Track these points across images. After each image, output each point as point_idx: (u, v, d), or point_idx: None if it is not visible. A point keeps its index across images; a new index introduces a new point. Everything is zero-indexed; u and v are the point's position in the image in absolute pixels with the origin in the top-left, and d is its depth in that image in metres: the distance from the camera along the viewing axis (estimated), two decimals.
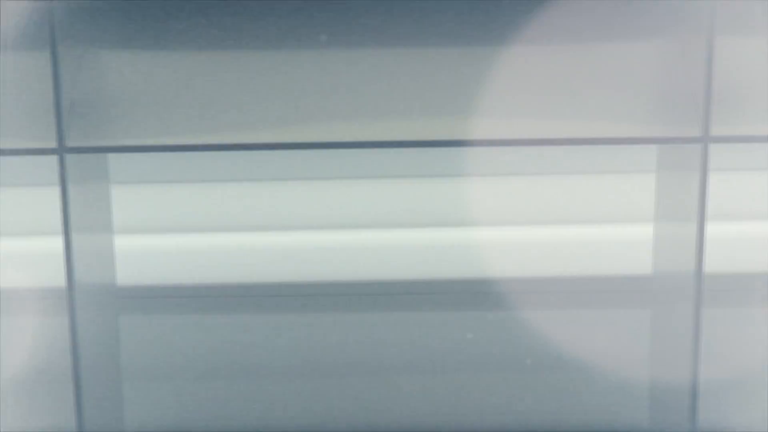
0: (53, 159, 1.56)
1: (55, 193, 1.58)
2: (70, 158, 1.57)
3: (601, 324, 1.78)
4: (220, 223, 1.90)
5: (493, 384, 1.95)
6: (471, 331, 1.98)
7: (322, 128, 1.67)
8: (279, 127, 1.69)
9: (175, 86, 1.67)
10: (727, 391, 1.74)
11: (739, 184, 1.83)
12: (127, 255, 1.84)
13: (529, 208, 1.93)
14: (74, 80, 1.72)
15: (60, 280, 1.63)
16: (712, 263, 1.59)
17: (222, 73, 1.63)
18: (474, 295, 1.99)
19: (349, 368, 1.87)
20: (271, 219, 1.89)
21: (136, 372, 1.76)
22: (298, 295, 1.88)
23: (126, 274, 1.86)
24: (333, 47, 1.67)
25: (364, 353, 1.86)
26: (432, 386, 2.05)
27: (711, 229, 1.57)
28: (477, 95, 1.67)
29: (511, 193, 1.90)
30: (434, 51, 1.69)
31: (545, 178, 1.93)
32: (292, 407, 1.92)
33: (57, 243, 1.60)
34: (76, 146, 1.58)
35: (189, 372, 1.81)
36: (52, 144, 1.53)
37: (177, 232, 1.87)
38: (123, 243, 1.81)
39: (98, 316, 1.66)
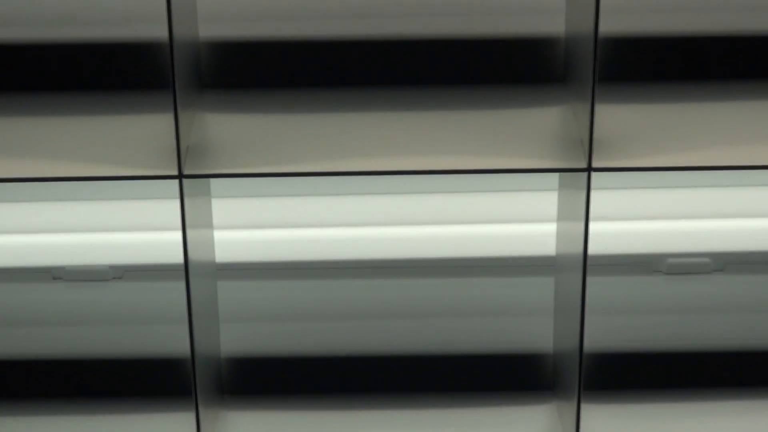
0: (174, 182, 1.71)
1: (174, 204, 1.74)
2: (185, 181, 1.71)
3: (524, 285, 2.06)
4: (282, 221, 2.04)
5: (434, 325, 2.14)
6: (419, 292, 2.09)
7: (354, 163, 1.74)
8: (330, 160, 1.75)
9: (263, 131, 1.81)
10: (596, 321, 1.84)
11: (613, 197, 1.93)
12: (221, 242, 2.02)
13: (478, 211, 2.05)
14: (189, 124, 1.75)
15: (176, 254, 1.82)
16: (593, 247, 1.76)
17: (293, 124, 1.83)
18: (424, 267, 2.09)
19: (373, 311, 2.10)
20: (320, 219, 2.04)
21: (227, 314, 2.04)
22: (343, 268, 2.08)
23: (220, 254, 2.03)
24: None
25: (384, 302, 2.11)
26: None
27: (592, 226, 1.75)
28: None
29: (468, 202, 2.05)
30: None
31: (495, 193, 2.02)
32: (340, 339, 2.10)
33: (177, 235, 1.78)
34: (191, 173, 1.71)
35: (258, 313, 2.07)
36: (174, 172, 1.69)
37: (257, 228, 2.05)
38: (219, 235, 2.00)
39: (203, 281, 1.90)
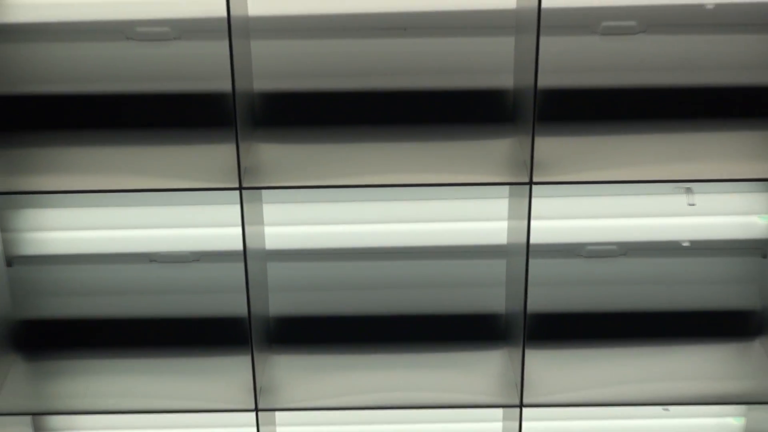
0: (236, 192, 1.71)
1: (236, 208, 1.73)
2: (244, 192, 1.72)
3: (485, 265, 2.04)
4: (313, 220, 1.99)
5: None
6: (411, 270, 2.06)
7: (364, 179, 1.74)
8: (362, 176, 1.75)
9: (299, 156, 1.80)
10: (535, 290, 1.82)
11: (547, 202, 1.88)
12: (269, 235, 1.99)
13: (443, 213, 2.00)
14: (246, 152, 1.72)
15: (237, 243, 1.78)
16: (533, 238, 1.76)
17: (320, 151, 1.83)
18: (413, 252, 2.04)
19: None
20: (339, 218, 1.99)
21: (273, 285, 2.02)
22: (355, 253, 2.04)
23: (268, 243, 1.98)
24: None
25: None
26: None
27: (532, 223, 1.75)
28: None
29: (445, 206, 2.00)
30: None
31: (465, 200, 1.98)
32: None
33: (238, 230, 1.75)
34: (247, 186, 1.70)
35: (297, 285, 2.05)
36: (236, 185, 1.69)
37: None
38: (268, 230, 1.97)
39: (256, 262, 1.88)
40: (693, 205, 1.93)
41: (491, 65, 1.85)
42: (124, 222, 1.99)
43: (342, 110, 1.88)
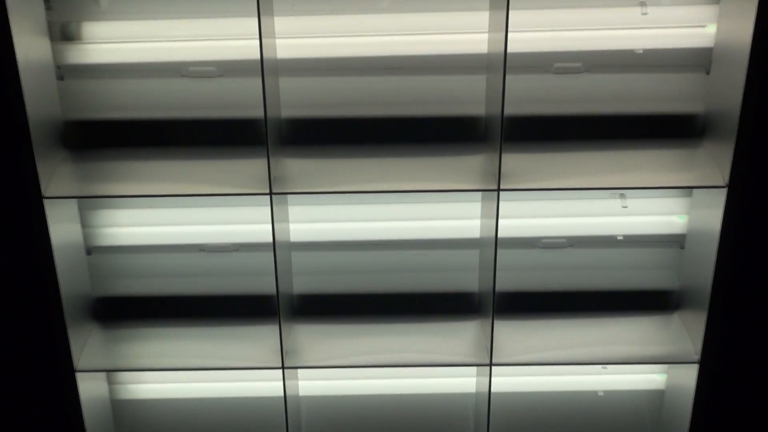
0: (267, 197, 1.69)
1: (267, 209, 1.72)
2: (274, 196, 1.71)
3: (463, 254, 2.00)
4: (326, 218, 1.94)
5: None
6: (408, 259, 2.01)
7: (369, 186, 1.72)
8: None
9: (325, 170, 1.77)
10: (502, 273, 1.80)
11: (512, 205, 1.82)
12: (294, 230, 1.95)
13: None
14: (275, 165, 1.69)
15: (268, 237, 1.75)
16: (501, 233, 1.74)
17: (334, 165, 1.79)
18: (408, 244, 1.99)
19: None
20: (347, 217, 1.94)
21: (297, 269, 1.99)
22: (361, 245, 1.99)
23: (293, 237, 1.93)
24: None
25: None
26: None
27: (500, 221, 1.73)
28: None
29: (433, 208, 1.94)
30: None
31: (449, 203, 1.92)
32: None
33: (268, 226, 1.75)
34: (276, 191, 1.70)
35: (316, 269, 2.02)
36: (267, 191, 1.69)
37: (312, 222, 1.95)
38: (292, 227, 1.94)
39: (283, 251, 1.86)
40: (625, 207, 1.93)
41: (468, 98, 1.83)
42: (178, 220, 1.98)
43: (350, 132, 1.86)
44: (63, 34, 1.73)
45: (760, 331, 1.90)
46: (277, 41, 1.73)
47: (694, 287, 1.91)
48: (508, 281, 1.94)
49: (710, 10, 1.70)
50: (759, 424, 2.02)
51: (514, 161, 1.77)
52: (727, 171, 1.65)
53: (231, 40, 1.72)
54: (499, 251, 1.79)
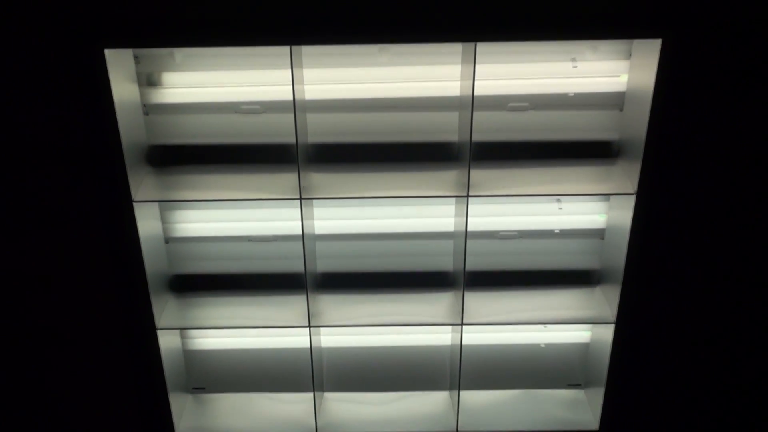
0: (297, 201, 1.68)
1: (297, 210, 1.71)
2: (303, 201, 1.69)
3: (440, 244, 1.96)
4: (343, 217, 1.90)
5: None
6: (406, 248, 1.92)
7: (373, 192, 1.66)
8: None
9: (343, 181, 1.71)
10: (470, 258, 1.81)
11: (479, 207, 1.79)
12: (318, 226, 1.90)
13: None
14: (304, 177, 1.66)
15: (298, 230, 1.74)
16: (470, 227, 1.74)
17: (349, 177, 1.74)
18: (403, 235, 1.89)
19: None
20: (355, 216, 1.89)
21: (320, 254, 1.95)
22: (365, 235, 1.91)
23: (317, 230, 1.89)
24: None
25: None
26: None
27: (469, 219, 1.73)
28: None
29: (420, 209, 1.90)
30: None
31: (430, 206, 1.87)
32: None
33: (298, 223, 1.75)
34: (305, 197, 1.65)
35: (334, 254, 1.97)
36: (297, 196, 1.67)
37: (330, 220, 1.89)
38: (317, 223, 1.90)
39: (310, 241, 1.85)
40: (561, 209, 1.93)
41: (445, 128, 1.80)
42: (232, 218, 1.95)
43: (359, 154, 1.83)
44: (148, 80, 1.73)
45: (659, 301, 1.91)
46: (306, 87, 1.71)
47: (611, 267, 1.90)
48: (474, 263, 1.94)
49: (623, 64, 1.70)
50: (658, 366, 2.01)
51: (480, 175, 1.76)
52: (636, 182, 1.64)
53: (271, 85, 1.70)
54: (468, 241, 1.78)
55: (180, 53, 1.66)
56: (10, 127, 1.54)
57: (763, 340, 1.86)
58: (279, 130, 1.76)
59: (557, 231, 1.95)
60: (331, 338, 2.10)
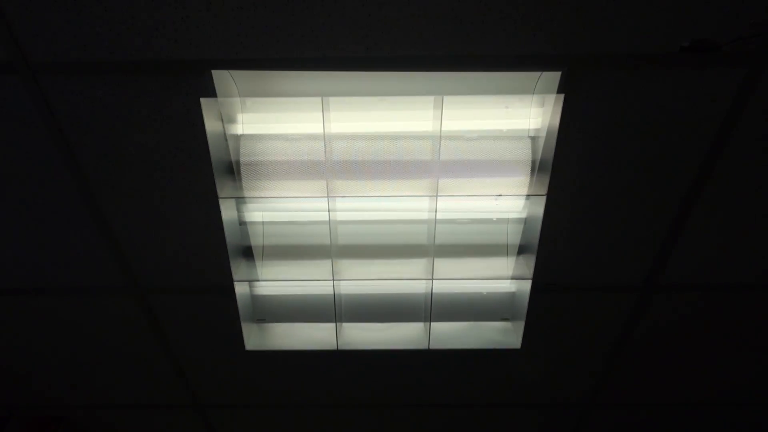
0: (325, 199, 1.66)
1: (323, 206, 1.73)
2: (329, 199, 1.67)
3: (418, 228, 1.90)
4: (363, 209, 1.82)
5: None
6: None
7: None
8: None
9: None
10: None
11: (447, 203, 1.73)
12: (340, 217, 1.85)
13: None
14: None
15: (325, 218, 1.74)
16: (438, 217, 1.75)
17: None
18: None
19: None
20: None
21: (341, 240, 1.89)
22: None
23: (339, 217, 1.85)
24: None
25: None
26: None
27: (438, 215, 1.72)
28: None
29: (409, 205, 1.78)
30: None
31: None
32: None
33: (326, 213, 1.75)
34: (332, 195, 1.64)
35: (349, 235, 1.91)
36: (325, 195, 1.63)
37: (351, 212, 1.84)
38: (339, 215, 1.84)
39: (335, 227, 1.83)
40: (497, 203, 1.87)
41: (420, 152, 1.71)
42: (283, 208, 1.89)
43: (364, 170, 1.73)
44: (227, 118, 1.73)
45: (560, 265, 1.88)
46: (332, 123, 1.61)
47: (529, 243, 1.85)
48: (441, 238, 1.87)
49: (537, 112, 1.69)
50: (561, 306, 1.99)
51: (445, 184, 1.72)
52: (546, 187, 1.57)
53: (307, 123, 1.67)
54: (437, 226, 1.74)
55: (250, 101, 1.57)
56: (141, 152, 1.49)
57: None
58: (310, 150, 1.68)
59: (495, 218, 1.95)
60: (348, 284, 2.05)
